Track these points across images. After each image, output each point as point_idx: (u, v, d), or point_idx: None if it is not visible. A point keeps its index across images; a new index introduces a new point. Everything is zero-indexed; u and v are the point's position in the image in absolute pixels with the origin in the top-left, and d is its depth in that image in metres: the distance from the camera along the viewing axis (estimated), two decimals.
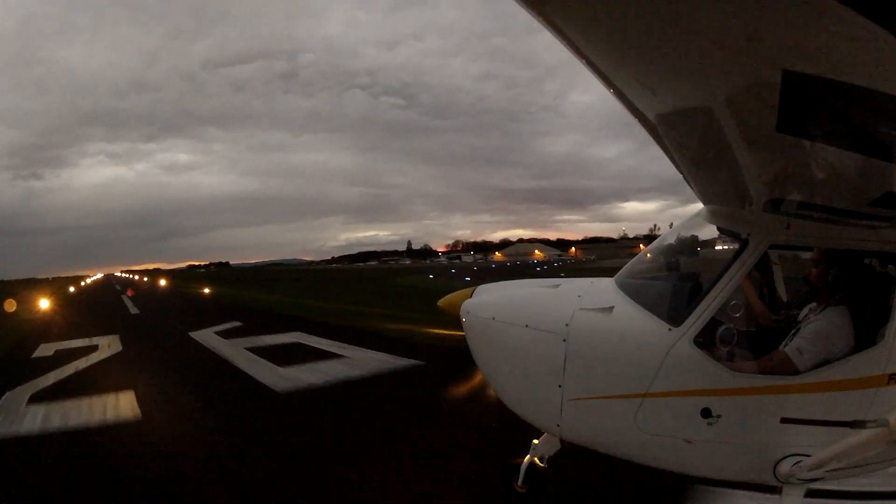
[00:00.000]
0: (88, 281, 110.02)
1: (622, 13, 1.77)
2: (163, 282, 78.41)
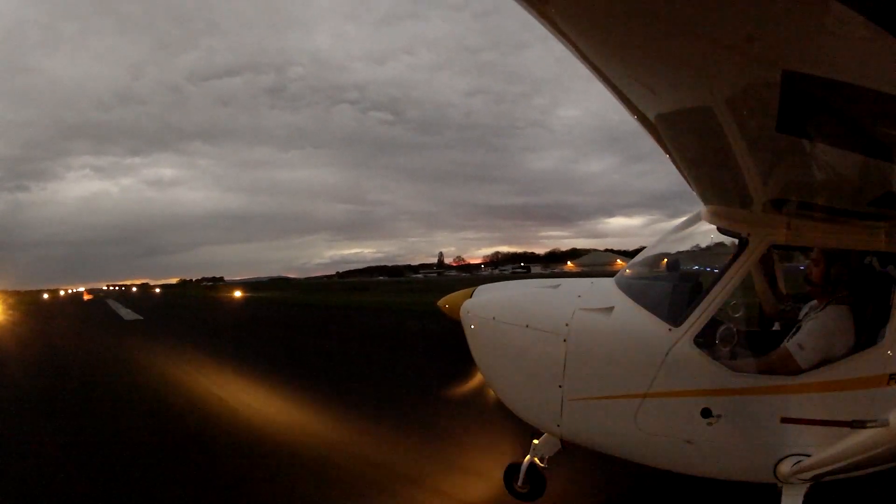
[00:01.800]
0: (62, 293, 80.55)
1: (622, 13, 1.77)
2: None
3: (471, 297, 4.64)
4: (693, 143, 2.89)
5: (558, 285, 4.42)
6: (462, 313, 4.54)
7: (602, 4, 1.78)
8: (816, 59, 1.76)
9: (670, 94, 2.33)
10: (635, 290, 3.98)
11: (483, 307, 4.42)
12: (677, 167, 3.34)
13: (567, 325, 3.85)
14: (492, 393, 4.42)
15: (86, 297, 44.69)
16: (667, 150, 3.08)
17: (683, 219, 4.43)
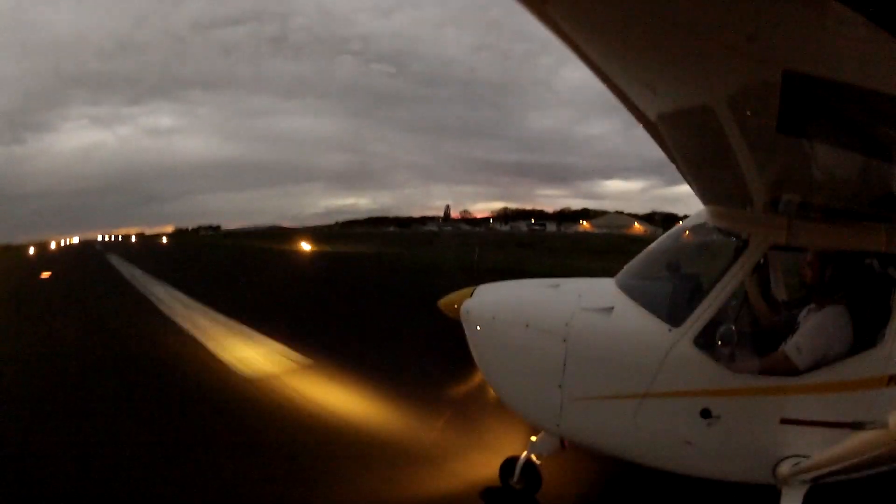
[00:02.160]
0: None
1: (622, 13, 1.77)
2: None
3: (471, 296, 4.64)
4: (693, 143, 2.90)
5: (558, 285, 4.42)
6: (462, 313, 4.54)
7: (602, 4, 1.78)
8: (817, 59, 1.76)
9: (671, 93, 2.33)
10: (635, 290, 3.98)
11: (483, 307, 4.42)
12: (678, 167, 3.35)
13: (567, 324, 3.85)
14: (492, 392, 4.43)
15: (44, 275, 25.77)
16: (667, 150, 3.08)
17: (685, 219, 4.44)
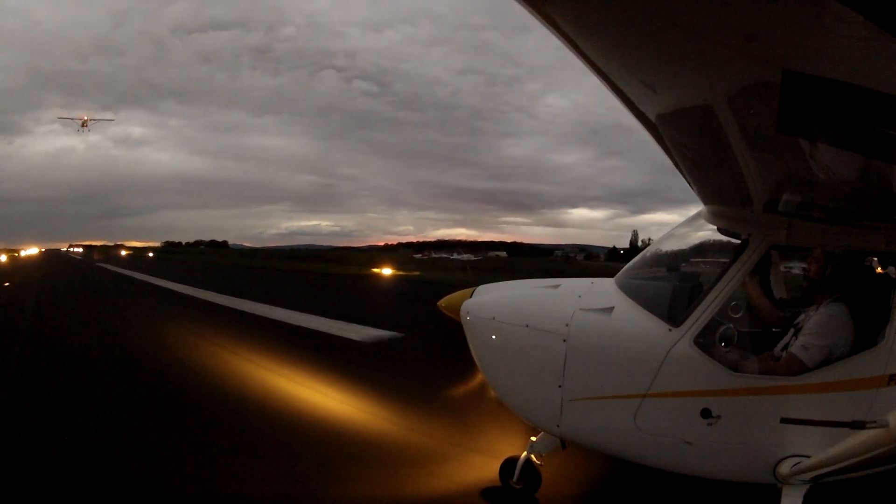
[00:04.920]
0: None
1: (622, 12, 1.78)
2: None
3: (471, 296, 4.64)
4: (693, 143, 2.89)
5: (558, 285, 4.42)
6: (462, 313, 4.53)
7: (602, 4, 1.78)
8: (816, 59, 1.76)
9: (671, 93, 2.33)
10: (635, 291, 3.98)
11: (483, 307, 4.41)
12: (677, 167, 3.34)
13: (567, 325, 3.85)
14: (492, 392, 4.42)
15: None
16: (667, 151, 3.08)
17: (685, 219, 4.44)
